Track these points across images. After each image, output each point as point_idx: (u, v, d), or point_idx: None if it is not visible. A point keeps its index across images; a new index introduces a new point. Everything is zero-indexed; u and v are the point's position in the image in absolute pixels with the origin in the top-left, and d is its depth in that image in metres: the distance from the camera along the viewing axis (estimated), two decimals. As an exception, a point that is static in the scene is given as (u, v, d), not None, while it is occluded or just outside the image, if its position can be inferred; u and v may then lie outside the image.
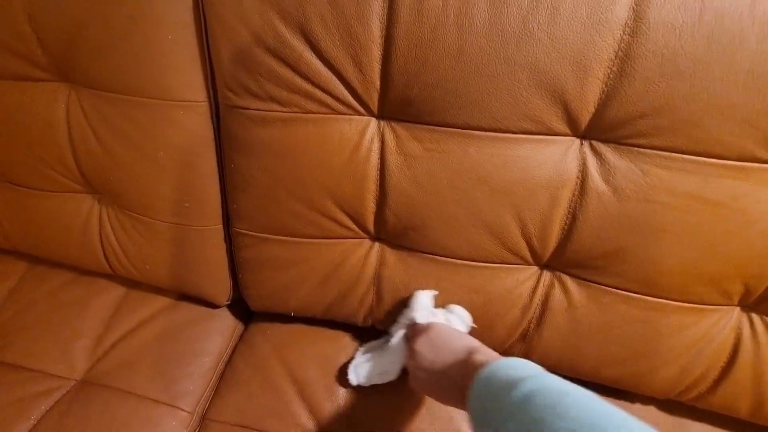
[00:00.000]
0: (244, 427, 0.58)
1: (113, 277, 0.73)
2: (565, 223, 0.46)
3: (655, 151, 0.41)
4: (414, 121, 0.46)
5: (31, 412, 0.60)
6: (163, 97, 0.51)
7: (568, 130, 0.43)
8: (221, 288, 0.66)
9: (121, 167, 0.56)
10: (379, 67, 0.44)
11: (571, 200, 0.45)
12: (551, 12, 0.37)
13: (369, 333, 0.65)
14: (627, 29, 0.37)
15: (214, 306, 0.70)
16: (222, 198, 0.59)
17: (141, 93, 0.51)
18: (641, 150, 0.41)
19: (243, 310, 0.73)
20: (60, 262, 0.72)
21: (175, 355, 0.65)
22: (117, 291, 0.73)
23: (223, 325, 0.70)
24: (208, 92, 0.52)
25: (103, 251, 0.67)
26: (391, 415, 0.57)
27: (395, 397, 0.58)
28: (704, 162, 0.40)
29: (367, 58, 0.43)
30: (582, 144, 0.43)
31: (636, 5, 0.36)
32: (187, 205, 0.57)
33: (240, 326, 0.72)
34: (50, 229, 0.66)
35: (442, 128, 0.45)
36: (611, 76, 0.39)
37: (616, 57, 0.38)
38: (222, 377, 0.65)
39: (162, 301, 0.71)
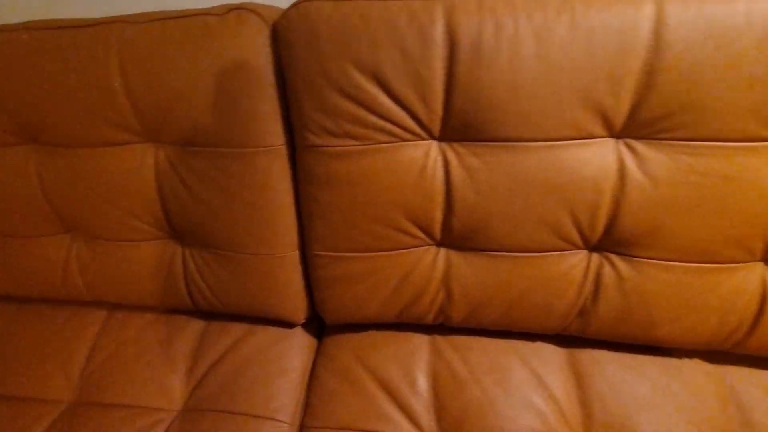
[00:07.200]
0: (345, 430, 0.64)
1: (192, 312, 0.79)
2: (610, 211, 0.55)
3: (680, 142, 0.50)
4: (473, 140, 0.55)
5: (144, 444, 0.65)
6: (249, 145, 0.58)
7: (605, 132, 0.52)
8: (299, 307, 0.73)
9: (210, 210, 0.63)
10: (442, 99, 0.52)
11: (614, 191, 0.53)
12: (587, 41, 0.46)
13: (437, 330, 0.73)
14: (650, 49, 0.46)
15: (289, 326, 0.77)
16: (299, 226, 0.66)
17: (228, 144, 0.58)
18: (669, 142, 0.50)
19: (315, 328, 0.80)
20: (142, 305, 0.78)
21: (263, 375, 0.71)
22: (197, 325, 0.79)
23: (300, 342, 0.77)
24: (285, 137, 0.59)
25: (188, 289, 0.73)
26: (477, 400, 0.64)
27: (477, 386, 0.65)
28: (721, 146, 0.49)
29: (432, 93, 0.51)
30: (617, 142, 0.52)
31: (655, 30, 0.46)
32: (269, 236, 0.65)
33: (315, 342, 0.79)
34: (136, 275, 0.73)
35: (498, 143, 0.54)
36: (639, 86, 0.47)
37: (642, 72, 0.47)
38: (309, 389, 0.71)
39: (240, 328, 0.77)
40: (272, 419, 0.66)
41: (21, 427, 0.69)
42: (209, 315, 0.79)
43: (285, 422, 0.67)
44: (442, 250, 0.64)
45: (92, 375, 0.75)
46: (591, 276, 0.60)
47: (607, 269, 0.59)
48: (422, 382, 0.68)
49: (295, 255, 0.68)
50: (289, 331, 0.77)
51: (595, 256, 0.60)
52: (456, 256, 0.63)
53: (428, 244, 0.63)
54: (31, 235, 0.74)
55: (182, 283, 0.73)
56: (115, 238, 0.70)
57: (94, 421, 0.68)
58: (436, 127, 0.55)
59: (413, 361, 0.70)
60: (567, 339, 0.69)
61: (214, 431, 0.64)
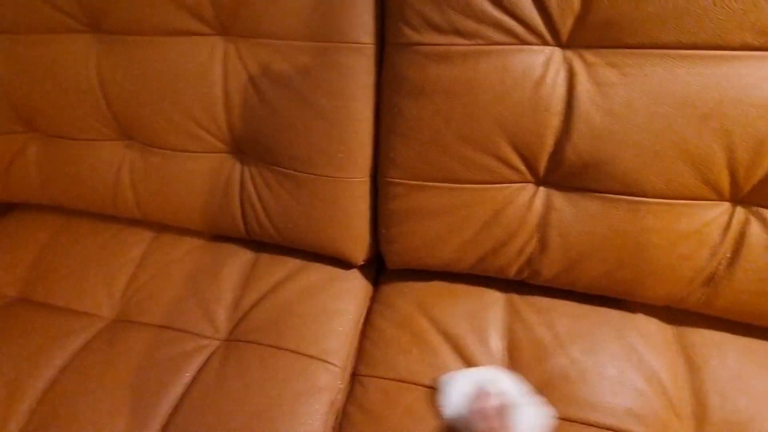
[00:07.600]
0: (401, 381, 0.57)
1: (240, 241, 0.73)
2: (783, 147, 0.43)
3: None
4: (611, 46, 0.44)
5: (185, 368, 0.60)
6: (332, 39, 0.50)
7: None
8: (361, 245, 0.65)
9: (278, 117, 0.56)
10: (585, -16, 0.41)
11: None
12: None
13: (514, 288, 0.63)
14: None
15: (346, 267, 0.70)
16: (374, 148, 0.57)
17: (309, 37, 0.50)
18: None
19: (372, 273, 0.72)
20: (192, 228, 0.73)
21: (315, 314, 0.65)
22: (246, 255, 0.73)
23: (356, 285, 0.69)
24: (375, 34, 0.50)
25: (242, 213, 0.67)
26: (562, 370, 0.55)
27: (563, 354, 0.56)
28: None
29: (575, -26, 0.41)
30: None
31: None
32: (340, 155, 0.57)
33: (370, 289, 0.71)
34: (190, 193, 0.67)
35: (646, 50, 0.43)
36: None
37: None
38: (364, 335, 0.64)
39: (293, 263, 0.71)
40: (322, 361, 0.60)
41: (61, 336, 0.65)
42: (261, 246, 0.73)
43: (336, 365, 0.60)
44: (542, 189, 0.54)
45: (135, 294, 0.70)
46: (732, 235, 0.49)
47: (754, 227, 0.48)
48: (496, 343, 0.59)
49: (366, 182, 0.60)
50: (345, 272, 0.70)
51: (740, 211, 0.48)
52: (559, 198, 0.53)
53: (527, 181, 0.53)
54: (85, 138, 0.69)
55: (237, 204, 0.66)
56: (171, 146, 0.64)
57: (134, 340, 0.64)
58: (566, 26, 0.44)
59: (486, 318, 0.61)
60: (675, 314, 0.58)
61: (260, 364, 0.58)
